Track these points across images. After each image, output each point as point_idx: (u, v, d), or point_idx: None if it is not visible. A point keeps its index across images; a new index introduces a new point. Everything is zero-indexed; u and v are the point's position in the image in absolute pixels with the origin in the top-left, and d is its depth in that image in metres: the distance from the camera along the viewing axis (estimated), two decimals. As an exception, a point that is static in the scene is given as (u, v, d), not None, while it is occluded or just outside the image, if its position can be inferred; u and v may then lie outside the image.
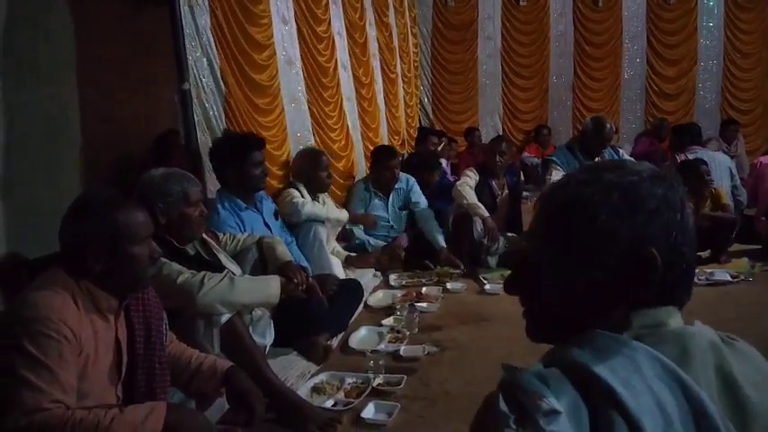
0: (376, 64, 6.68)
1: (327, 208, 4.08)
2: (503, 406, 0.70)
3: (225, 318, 2.25)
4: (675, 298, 0.83)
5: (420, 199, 4.90)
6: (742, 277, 4.15)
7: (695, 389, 0.69)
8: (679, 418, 0.67)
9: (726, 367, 0.78)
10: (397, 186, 4.86)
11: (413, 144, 8.14)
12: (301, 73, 4.63)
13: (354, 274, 4.10)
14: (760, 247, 4.78)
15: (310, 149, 4.23)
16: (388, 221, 4.86)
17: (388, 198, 4.86)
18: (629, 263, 0.79)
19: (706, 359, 0.77)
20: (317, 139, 4.81)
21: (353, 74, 5.87)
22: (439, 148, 7.35)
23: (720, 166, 5.22)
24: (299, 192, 3.98)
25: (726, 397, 0.76)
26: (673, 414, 0.67)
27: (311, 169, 4.05)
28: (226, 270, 2.40)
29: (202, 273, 2.23)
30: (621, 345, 0.74)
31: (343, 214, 4.26)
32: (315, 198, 4.05)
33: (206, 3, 3.42)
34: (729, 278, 4.09)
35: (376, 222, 4.66)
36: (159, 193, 2.34)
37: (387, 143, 6.74)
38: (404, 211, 4.93)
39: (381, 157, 4.86)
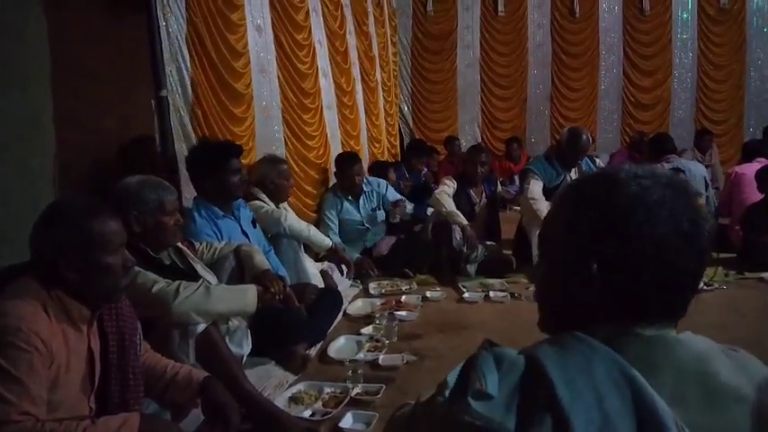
0: (356, 72, 6.69)
1: (310, 229, 3.97)
2: (452, 375, 0.76)
3: (200, 327, 2.23)
4: (662, 311, 0.85)
5: (397, 197, 5.09)
6: (716, 285, 4.20)
7: (649, 394, 0.71)
8: (621, 421, 0.68)
9: (713, 379, 0.79)
10: (366, 189, 4.95)
11: (393, 152, 8.17)
12: (276, 81, 4.61)
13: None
14: (734, 255, 4.86)
15: (273, 157, 4.15)
16: (363, 224, 4.90)
17: (359, 201, 4.92)
18: (585, 276, 0.86)
19: (685, 369, 0.79)
20: (290, 148, 4.79)
21: (335, 81, 5.87)
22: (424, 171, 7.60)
23: (696, 176, 5.31)
24: (262, 201, 3.90)
25: (708, 407, 0.77)
26: (614, 416, 0.68)
27: (276, 178, 3.97)
28: (201, 279, 2.37)
29: (177, 282, 2.20)
30: (584, 345, 0.76)
31: (326, 242, 4.02)
32: (277, 207, 4.00)
33: (183, 11, 3.40)
34: (704, 286, 4.14)
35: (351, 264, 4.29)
36: (134, 201, 2.31)
37: (367, 151, 6.76)
38: (378, 211, 5.00)
39: (343, 165, 4.92)
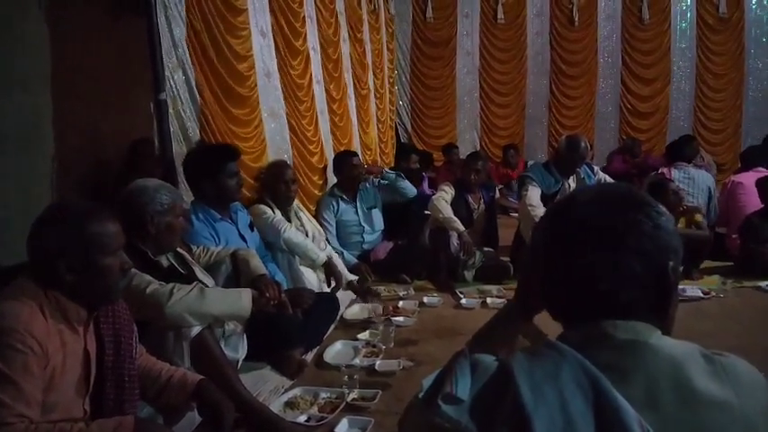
0: (349, 79, 6.68)
1: (307, 243, 3.82)
2: (428, 379, 0.82)
3: (195, 331, 2.22)
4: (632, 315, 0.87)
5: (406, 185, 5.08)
6: (713, 294, 4.20)
7: (613, 396, 0.73)
8: (583, 423, 0.71)
9: (687, 383, 0.80)
10: (361, 188, 4.95)
11: (387, 161, 8.15)
12: (279, 86, 4.62)
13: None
14: (731, 264, 4.86)
15: (275, 162, 4.15)
16: (359, 223, 4.91)
17: (355, 200, 4.93)
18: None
19: (657, 374, 0.80)
20: (295, 152, 4.80)
21: (326, 89, 5.87)
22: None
23: (701, 185, 5.32)
24: (269, 206, 3.90)
25: (683, 412, 0.78)
26: (577, 418, 0.71)
27: (274, 182, 3.99)
28: (195, 281, 2.36)
29: (171, 284, 2.20)
30: (554, 351, 0.79)
31: (321, 257, 3.78)
32: (284, 212, 3.98)
33: (183, 14, 3.39)
34: (701, 294, 4.14)
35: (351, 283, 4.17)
36: (151, 202, 2.35)
37: (360, 158, 6.75)
38: (374, 209, 5.00)
39: (343, 158, 4.97)
